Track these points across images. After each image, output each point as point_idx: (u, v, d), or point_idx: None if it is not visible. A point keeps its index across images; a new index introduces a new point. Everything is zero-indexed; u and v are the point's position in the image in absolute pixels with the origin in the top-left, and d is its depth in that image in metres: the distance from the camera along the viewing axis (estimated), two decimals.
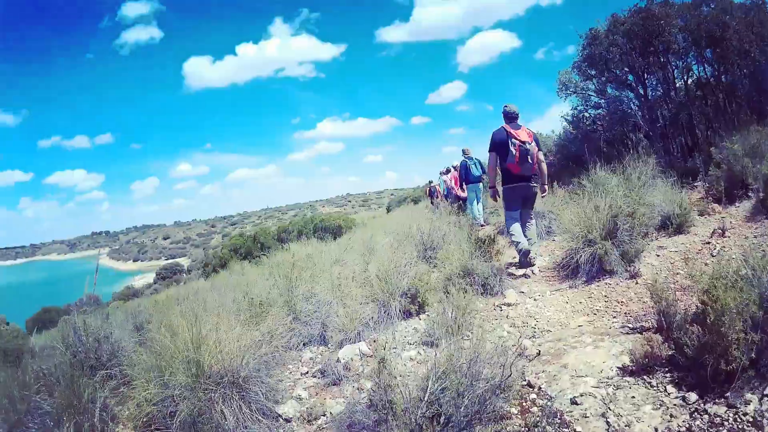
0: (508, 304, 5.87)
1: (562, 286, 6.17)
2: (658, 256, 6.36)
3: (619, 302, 5.22)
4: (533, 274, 6.83)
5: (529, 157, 6.90)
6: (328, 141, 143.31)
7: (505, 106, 7.27)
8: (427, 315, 5.64)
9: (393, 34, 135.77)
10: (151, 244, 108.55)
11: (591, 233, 6.15)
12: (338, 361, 4.80)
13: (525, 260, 7.16)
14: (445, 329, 4.78)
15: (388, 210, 35.30)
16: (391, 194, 63.42)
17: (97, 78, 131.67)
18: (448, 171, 16.16)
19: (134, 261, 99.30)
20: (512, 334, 4.96)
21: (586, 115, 13.95)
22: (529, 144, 6.93)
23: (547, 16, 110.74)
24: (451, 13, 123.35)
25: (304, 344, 5.46)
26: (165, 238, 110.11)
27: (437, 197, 18.75)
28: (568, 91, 13.87)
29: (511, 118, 7.20)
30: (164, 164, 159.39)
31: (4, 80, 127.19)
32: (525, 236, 7.24)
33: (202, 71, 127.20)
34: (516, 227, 7.22)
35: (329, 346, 5.34)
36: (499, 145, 7.08)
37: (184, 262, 78.54)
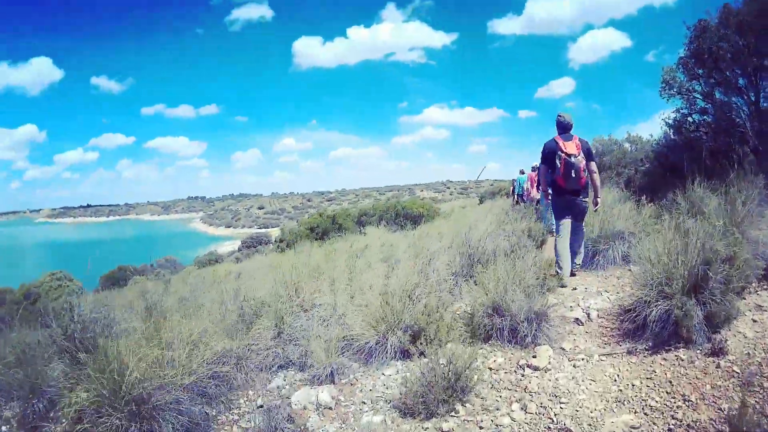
0: (536, 368, 4.50)
1: (619, 348, 4.66)
2: (755, 321, 4.46)
3: (686, 398, 3.68)
4: (588, 319, 5.47)
5: (573, 170, 6.74)
6: (434, 127, 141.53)
7: (559, 116, 7.13)
8: (428, 361, 4.26)
9: (505, 26, 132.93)
10: (245, 212, 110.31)
11: (670, 283, 4.54)
12: (289, 405, 4.12)
13: (560, 272, 6.93)
14: (432, 395, 3.90)
15: (481, 201, 33.90)
16: (491, 184, 61.80)
17: (205, 52, 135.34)
18: (534, 169, 14.75)
19: (226, 227, 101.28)
20: (519, 428, 3.75)
21: (690, 120, 12.20)
22: (575, 157, 6.76)
23: (659, 16, 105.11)
24: (564, 8, 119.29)
25: (280, 366, 4.83)
26: (260, 208, 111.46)
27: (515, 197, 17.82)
28: (672, 91, 12.19)
29: (563, 128, 7.07)
30: (268, 138, 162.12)
31: (112, 50, 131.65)
32: (570, 253, 7.13)
33: (311, 51, 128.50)
34: (562, 245, 7.07)
35: (305, 373, 4.68)
36: (549, 157, 6.97)
37: (274, 232, 79.30)
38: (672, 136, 12.71)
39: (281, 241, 25.47)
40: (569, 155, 6.71)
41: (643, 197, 8.91)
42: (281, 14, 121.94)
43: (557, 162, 6.79)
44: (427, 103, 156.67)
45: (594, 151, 7.82)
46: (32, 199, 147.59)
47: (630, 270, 6.56)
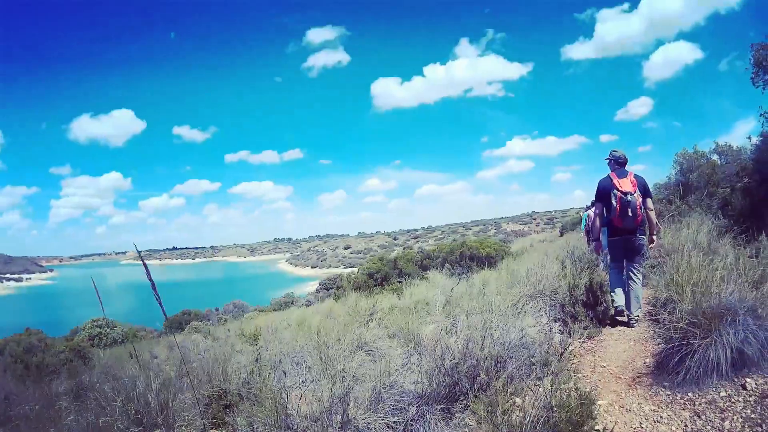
0: None
1: None
2: None
3: None
4: None
5: (630, 209, 6.63)
6: (517, 159, 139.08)
7: (612, 152, 7.14)
8: None
9: (578, 51, 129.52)
10: (331, 252, 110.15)
11: None
12: None
13: (618, 316, 7.01)
14: None
15: (562, 233, 31.44)
16: (576, 213, 59.47)
17: (285, 99, 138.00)
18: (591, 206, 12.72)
19: (311, 267, 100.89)
20: None
21: None
22: (632, 195, 6.65)
23: (726, 23, 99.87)
24: (632, 27, 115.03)
25: None
26: (346, 248, 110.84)
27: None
28: None
29: (618, 163, 7.06)
30: (353, 179, 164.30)
31: (193, 100, 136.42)
32: (628, 296, 6.94)
33: (390, 92, 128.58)
34: (616, 278, 7.14)
35: None
36: (603, 196, 6.94)
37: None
38: None
39: (338, 288, 23.69)
40: (625, 193, 6.63)
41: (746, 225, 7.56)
42: (357, 58, 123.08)
43: (612, 201, 6.69)
44: (509, 136, 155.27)
45: (650, 187, 7.49)
46: (118, 242, 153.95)
47: (751, 386, 3.86)
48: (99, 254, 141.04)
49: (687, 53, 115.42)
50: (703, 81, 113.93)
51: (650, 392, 4.50)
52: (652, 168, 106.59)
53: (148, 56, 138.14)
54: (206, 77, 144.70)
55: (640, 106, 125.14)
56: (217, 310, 38.70)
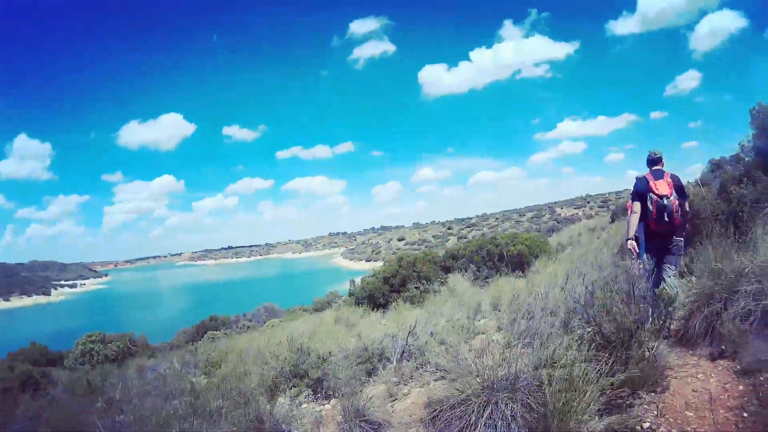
0: None
1: None
2: None
3: None
4: None
5: (666, 214, 6.55)
6: (570, 141, 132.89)
7: (649, 152, 7.14)
8: None
9: (622, 26, 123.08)
10: (386, 245, 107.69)
11: None
12: None
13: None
14: None
15: (612, 219, 27.67)
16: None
17: (333, 92, 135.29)
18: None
19: (366, 261, 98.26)
20: None
21: None
22: (668, 199, 6.58)
23: None
24: None
25: None
26: (400, 239, 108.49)
27: None
28: None
29: (653, 162, 7.07)
30: (405, 169, 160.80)
31: (240, 100, 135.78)
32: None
33: (438, 79, 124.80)
34: (651, 284, 6.50)
35: None
36: (640, 197, 6.80)
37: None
38: None
39: (351, 295, 20.80)
40: (661, 197, 6.56)
41: None
42: (403, 46, 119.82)
43: (649, 204, 6.59)
44: (560, 117, 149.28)
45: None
46: (174, 243, 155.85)
47: None
48: (154, 257, 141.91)
49: (731, 22, 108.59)
50: (748, 50, 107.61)
51: None
52: (705, 145, 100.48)
53: (192, 60, 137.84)
54: (252, 76, 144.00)
55: (688, 80, 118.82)
56: (245, 314, 36.42)
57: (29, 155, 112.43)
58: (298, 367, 7.57)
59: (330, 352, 8.11)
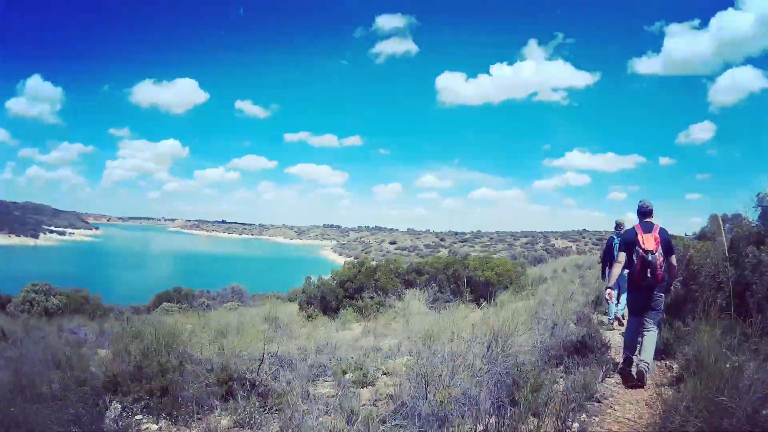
0: None
1: None
2: None
3: None
4: None
5: (650, 269, 6.39)
6: (576, 172, 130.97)
7: (639, 203, 6.96)
8: None
9: (645, 65, 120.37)
10: (377, 245, 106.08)
11: None
12: None
13: (627, 371, 6.66)
14: None
15: (600, 260, 25.95)
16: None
17: (349, 83, 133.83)
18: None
19: (354, 259, 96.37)
20: None
21: None
22: (653, 255, 6.43)
23: None
24: (702, 45, 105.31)
25: None
26: (392, 243, 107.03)
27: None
28: None
29: (643, 214, 6.89)
30: (409, 172, 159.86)
31: (257, 76, 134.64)
32: (641, 344, 6.59)
33: (455, 87, 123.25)
34: (629, 337, 6.87)
35: None
36: (628, 248, 6.66)
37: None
38: None
39: (303, 292, 19.06)
40: (646, 252, 6.41)
41: None
42: (425, 49, 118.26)
43: (634, 258, 6.47)
44: (569, 147, 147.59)
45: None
46: (169, 208, 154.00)
47: None
48: (148, 218, 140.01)
49: (753, 80, 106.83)
50: (766, 110, 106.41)
51: None
52: (711, 198, 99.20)
53: (215, 29, 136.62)
54: (271, 55, 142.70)
55: (702, 131, 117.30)
56: (208, 291, 34.96)
57: (40, 97, 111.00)
58: (143, 370, 5.67)
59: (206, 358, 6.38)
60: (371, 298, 16.51)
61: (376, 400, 5.87)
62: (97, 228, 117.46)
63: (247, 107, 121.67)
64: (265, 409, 5.13)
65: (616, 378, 6.54)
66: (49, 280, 25.74)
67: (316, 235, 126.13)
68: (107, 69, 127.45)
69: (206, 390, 5.61)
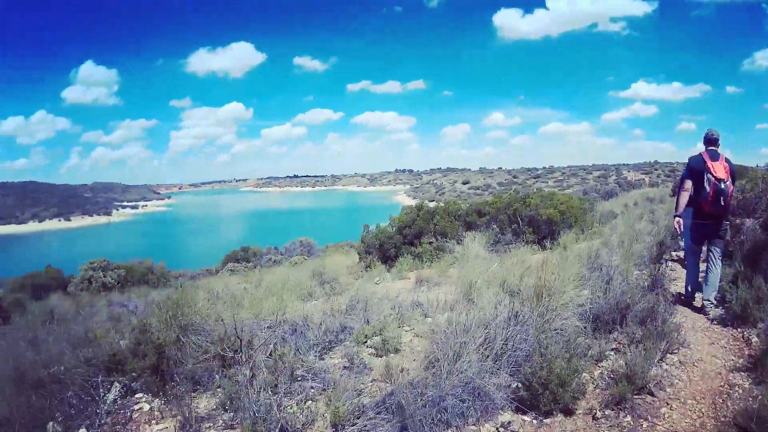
0: None
1: None
2: None
3: None
4: None
5: (722, 198, 6.27)
6: (642, 103, 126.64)
7: (707, 131, 6.64)
8: None
9: None
10: (450, 186, 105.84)
11: None
12: None
13: (691, 299, 6.80)
14: None
15: (673, 192, 24.25)
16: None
17: (406, 29, 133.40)
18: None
19: (429, 201, 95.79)
20: None
21: None
22: (725, 183, 6.27)
23: None
24: None
25: None
26: (464, 183, 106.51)
27: None
28: None
29: (710, 142, 6.62)
30: (476, 112, 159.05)
31: (312, 32, 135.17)
32: (706, 279, 6.53)
33: (513, 23, 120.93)
34: (692, 266, 6.86)
35: None
36: (696, 175, 6.48)
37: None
38: None
39: (362, 241, 18.51)
40: (719, 180, 6.25)
41: None
42: None
43: (706, 186, 6.31)
44: (634, 78, 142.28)
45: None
46: (239, 170, 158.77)
47: None
48: (219, 182, 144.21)
49: None
50: None
51: None
52: None
53: None
54: (325, 8, 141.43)
55: (766, 58, 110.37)
56: (276, 248, 35.36)
57: (95, 81, 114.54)
58: (138, 346, 5.22)
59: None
60: (430, 243, 15.85)
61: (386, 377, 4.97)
62: (169, 197, 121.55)
63: (306, 63, 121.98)
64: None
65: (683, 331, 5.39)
66: (120, 255, 27.12)
67: (389, 181, 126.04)
68: (158, 44, 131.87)
69: (203, 366, 4.93)
